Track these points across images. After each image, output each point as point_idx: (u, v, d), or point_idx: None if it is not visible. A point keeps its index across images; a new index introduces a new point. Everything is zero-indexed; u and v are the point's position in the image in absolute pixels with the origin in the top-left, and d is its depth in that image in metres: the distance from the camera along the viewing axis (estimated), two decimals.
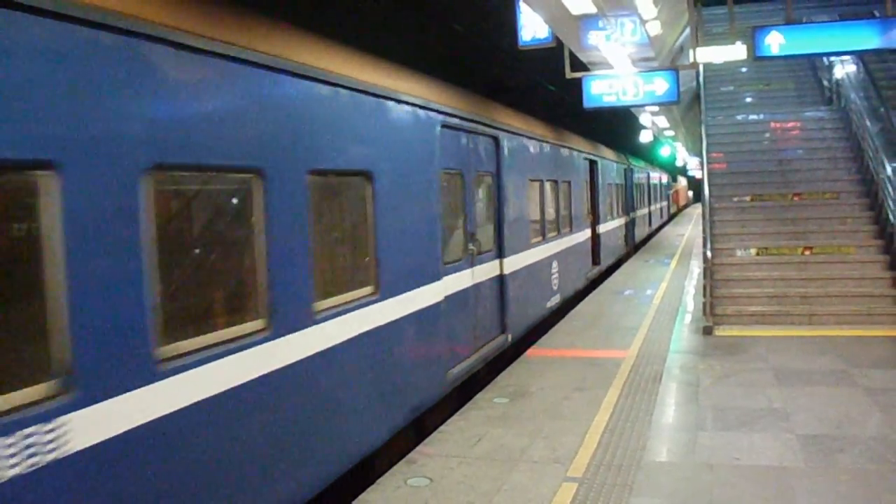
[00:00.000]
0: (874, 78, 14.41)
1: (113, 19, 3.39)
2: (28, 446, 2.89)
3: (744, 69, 18.56)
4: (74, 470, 3.08)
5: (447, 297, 7.29)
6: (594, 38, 9.49)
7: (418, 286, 6.62)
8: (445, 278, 7.27)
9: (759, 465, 5.61)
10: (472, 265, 8.14)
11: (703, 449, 5.99)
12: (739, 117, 16.77)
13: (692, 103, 19.69)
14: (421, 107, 6.82)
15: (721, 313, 10.94)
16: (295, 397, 4.70)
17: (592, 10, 8.03)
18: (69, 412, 3.06)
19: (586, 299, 13.82)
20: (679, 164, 51.64)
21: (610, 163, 18.80)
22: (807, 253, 11.92)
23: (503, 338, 9.08)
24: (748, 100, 18.45)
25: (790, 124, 15.68)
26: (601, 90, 10.64)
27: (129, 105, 3.47)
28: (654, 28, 9.44)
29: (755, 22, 12.76)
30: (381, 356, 5.91)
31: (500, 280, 9.10)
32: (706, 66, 15.20)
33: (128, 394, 3.37)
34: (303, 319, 4.80)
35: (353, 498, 5.29)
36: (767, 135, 15.67)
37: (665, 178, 40.41)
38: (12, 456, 2.83)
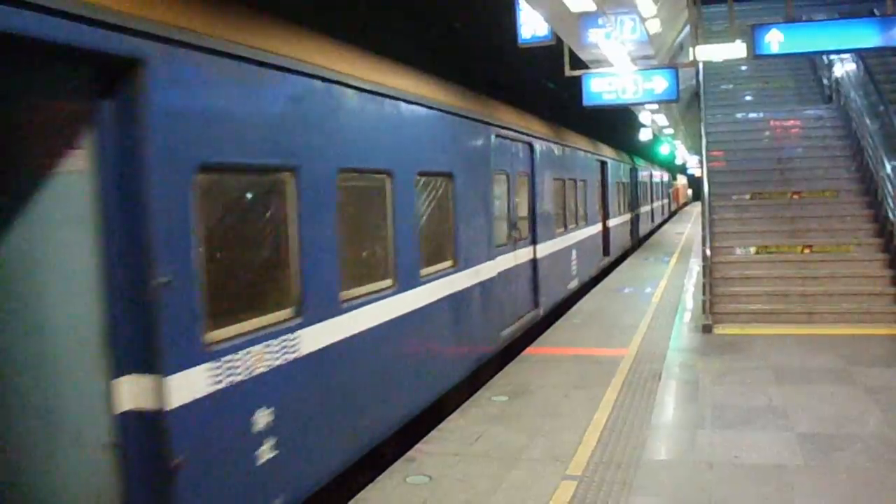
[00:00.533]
0: (874, 76, 14.39)
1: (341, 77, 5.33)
2: (284, 346, 4.62)
3: (743, 67, 18.53)
4: (303, 366, 4.82)
5: (499, 273, 9.03)
6: (594, 35, 9.46)
7: (480, 263, 8.39)
8: (497, 258, 9.01)
9: (759, 463, 5.61)
10: (514, 249, 9.87)
11: (703, 447, 5.99)
12: (739, 115, 16.75)
13: (691, 101, 19.64)
14: (481, 121, 8.53)
15: (720, 311, 10.93)
16: (411, 337, 6.56)
17: (592, 7, 8.01)
18: (301, 329, 4.78)
19: (585, 297, 13.82)
20: (678, 162, 51.61)
21: (617, 163, 20.23)
22: (806, 251, 11.92)
23: (536, 311, 10.82)
24: (748, 98, 18.44)
25: (790, 122, 15.67)
26: (601, 88, 10.63)
27: (330, 133, 5.25)
28: (654, 26, 9.42)
29: (755, 20, 12.72)
30: (459, 314, 7.69)
31: (534, 263, 10.81)
32: (706, 64, 15.16)
33: (327, 321, 5.12)
34: (414, 282, 6.58)
35: (351, 496, 5.29)
36: (767, 133, 15.65)
37: (666, 177, 41.86)
38: (275, 352, 4.52)
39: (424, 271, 6.82)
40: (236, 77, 4.30)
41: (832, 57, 15.88)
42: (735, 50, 11.02)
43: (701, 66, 14.82)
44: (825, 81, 17.14)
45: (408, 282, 6.42)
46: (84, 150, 3.62)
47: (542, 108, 13.72)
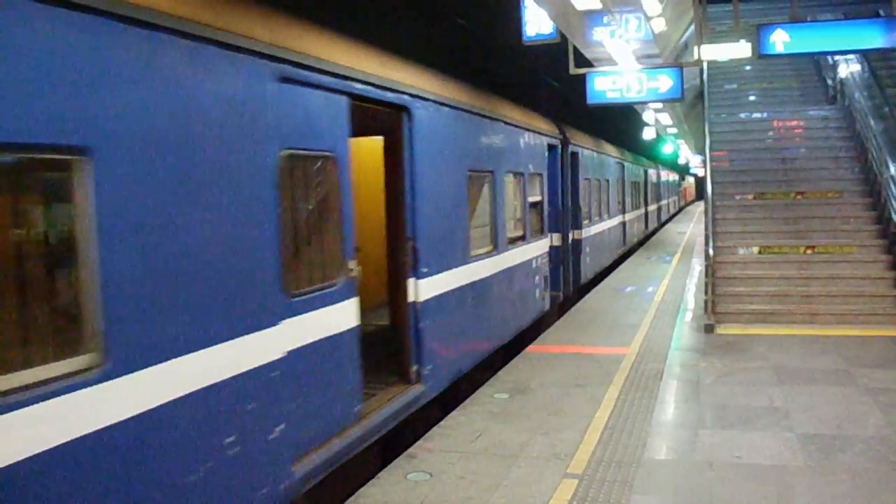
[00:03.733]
0: (878, 77, 14.37)
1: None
2: (595, 228, 16.30)
3: (747, 67, 18.52)
4: (596, 234, 16.38)
5: (617, 223, 19.40)
6: (599, 34, 9.44)
7: (612, 217, 18.68)
8: (616, 216, 19.32)
9: (760, 463, 5.62)
10: (619, 213, 20.05)
11: (704, 447, 6.00)
12: (743, 115, 16.75)
13: (696, 101, 19.64)
14: (613, 156, 19.05)
15: (722, 311, 10.93)
16: (614, 234, 19.07)
17: (597, 5, 8.00)
18: (593, 225, 16.16)
19: (587, 296, 13.84)
20: (682, 161, 51.58)
21: (651, 170, 31.06)
22: (809, 252, 11.91)
23: (625, 246, 20.93)
24: (751, 98, 18.43)
25: (793, 123, 15.65)
26: (605, 86, 10.59)
27: (607, 168, 18.24)
28: (659, 25, 9.38)
29: (760, 19, 12.70)
30: (614, 235, 19.12)
31: (623, 224, 20.85)
32: (710, 63, 15.16)
33: (605, 221, 17.76)
34: (614, 213, 19.01)
35: (352, 492, 5.30)
36: (770, 133, 15.64)
37: (677, 178, 52.94)
38: (594, 227, 16.17)
39: (608, 214, 17.43)
40: (592, 154, 15.63)
41: (837, 58, 15.84)
42: (740, 50, 11.00)
43: (705, 65, 14.80)
44: (829, 82, 17.11)
45: (612, 215, 18.04)
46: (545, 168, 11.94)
47: (623, 139, 26.36)
